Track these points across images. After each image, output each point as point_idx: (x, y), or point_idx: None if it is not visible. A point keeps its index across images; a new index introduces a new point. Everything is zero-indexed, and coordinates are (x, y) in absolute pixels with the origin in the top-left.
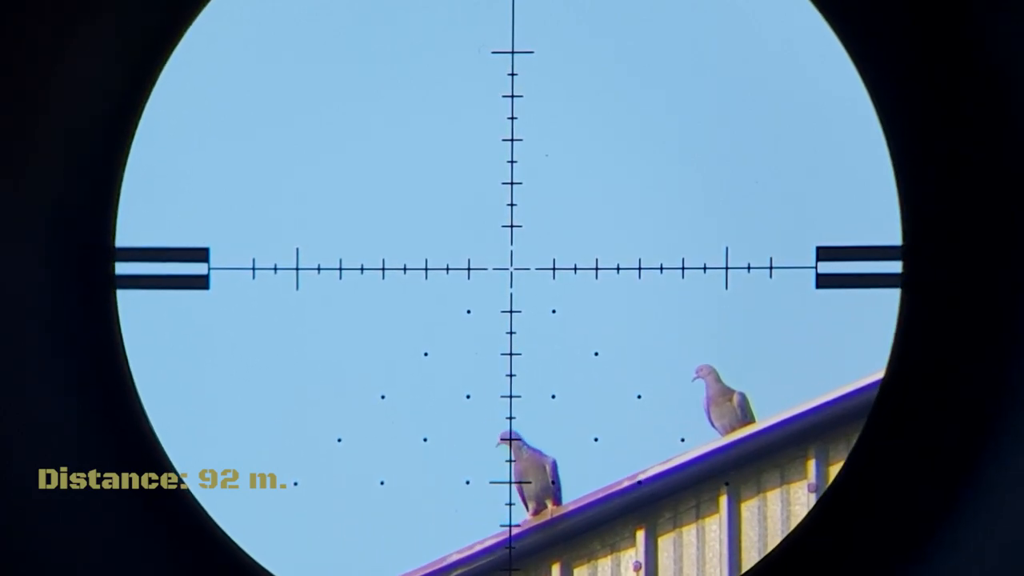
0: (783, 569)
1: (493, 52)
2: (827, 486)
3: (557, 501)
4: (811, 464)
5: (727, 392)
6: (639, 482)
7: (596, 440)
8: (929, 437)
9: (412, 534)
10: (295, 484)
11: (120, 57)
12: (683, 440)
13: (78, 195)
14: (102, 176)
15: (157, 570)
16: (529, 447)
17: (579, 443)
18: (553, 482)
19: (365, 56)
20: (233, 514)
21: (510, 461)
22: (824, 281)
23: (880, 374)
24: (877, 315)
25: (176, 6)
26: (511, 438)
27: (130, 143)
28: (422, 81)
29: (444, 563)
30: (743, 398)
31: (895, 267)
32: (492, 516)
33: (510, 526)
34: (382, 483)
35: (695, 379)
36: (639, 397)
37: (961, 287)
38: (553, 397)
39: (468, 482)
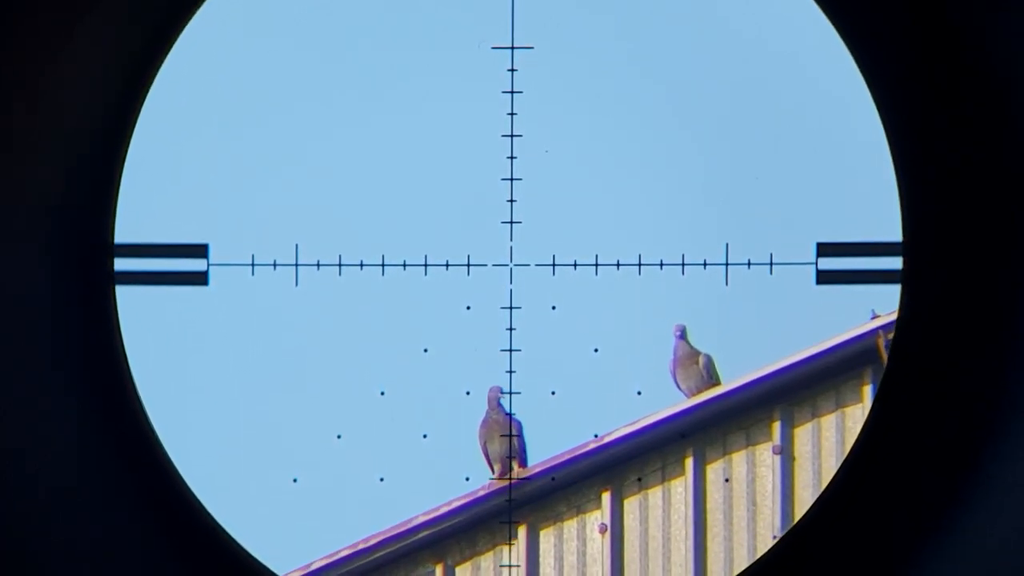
0: (783, 566)
1: (493, 48)
2: (827, 484)
3: (523, 463)
4: (776, 426)
5: (693, 354)
6: (605, 444)
7: (596, 435)
8: (929, 434)
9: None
10: (294, 481)
11: (118, 55)
12: (683, 436)
13: (77, 192)
14: (101, 173)
15: (157, 570)
16: (501, 408)
17: (579, 439)
18: (518, 444)
19: (364, 53)
20: (233, 512)
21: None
22: (824, 277)
23: (842, 337)
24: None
25: (174, 4)
26: (502, 392)
27: (129, 140)
28: (422, 77)
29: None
30: (709, 360)
31: (895, 263)
32: (492, 512)
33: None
34: (382, 480)
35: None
36: (639, 393)
37: (961, 284)
38: (553, 393)
39: (468, 479)
